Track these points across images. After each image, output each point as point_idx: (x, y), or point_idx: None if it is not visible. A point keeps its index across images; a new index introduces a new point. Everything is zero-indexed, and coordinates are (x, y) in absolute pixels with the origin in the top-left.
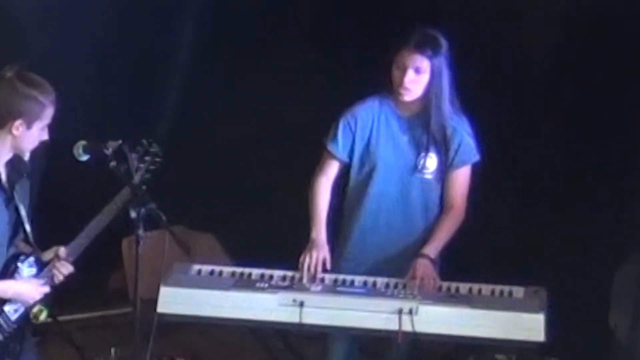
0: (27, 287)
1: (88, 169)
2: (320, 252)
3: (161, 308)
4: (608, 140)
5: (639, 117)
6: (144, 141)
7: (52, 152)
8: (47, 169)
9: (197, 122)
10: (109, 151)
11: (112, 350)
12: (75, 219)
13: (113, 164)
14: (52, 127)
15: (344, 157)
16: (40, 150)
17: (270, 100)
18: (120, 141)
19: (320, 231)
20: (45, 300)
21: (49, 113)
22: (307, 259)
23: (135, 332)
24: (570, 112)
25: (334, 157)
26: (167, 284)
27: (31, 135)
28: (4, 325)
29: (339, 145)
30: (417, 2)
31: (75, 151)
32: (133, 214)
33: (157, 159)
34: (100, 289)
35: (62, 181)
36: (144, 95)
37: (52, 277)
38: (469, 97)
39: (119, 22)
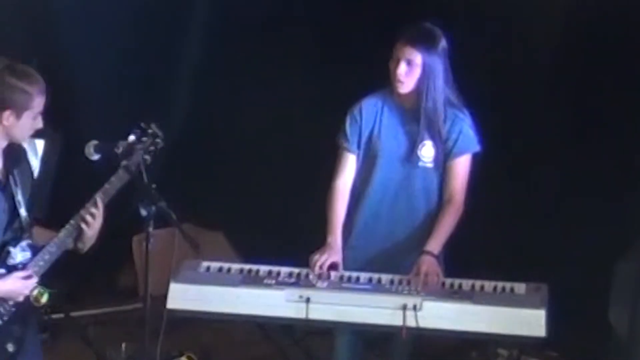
0: (13, 284)
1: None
2: (333, 255)
3: (171, 304)
4: (608, 137)
5: (638, 114)
6: (142, 124)
7: (64, 151)
8: (58, 168)
9: (206, 120)
10: (119, 150)
11: (123, 345)
12: None
13: (124, 163)
14: (44, 115)
15: (356, 149)
16: (53, 150)
17: (279, 99)
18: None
19: (336, 237)
20: (45, 282)
21: (38, 102)
22: (318, 257)
23: (146, 327)
24: (571, 109)
25: (347, 150)
26: (176, 281)
27: (22, 124)
28: (1, 310)
29: (349, 139)
30: None
31: (86, 150)
32: (144, 212)
33: (157, 140)
34: (111, 286)
35: (73, 180)
36: (153, 94)
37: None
38: (472, 94)
39: (126, 24)
